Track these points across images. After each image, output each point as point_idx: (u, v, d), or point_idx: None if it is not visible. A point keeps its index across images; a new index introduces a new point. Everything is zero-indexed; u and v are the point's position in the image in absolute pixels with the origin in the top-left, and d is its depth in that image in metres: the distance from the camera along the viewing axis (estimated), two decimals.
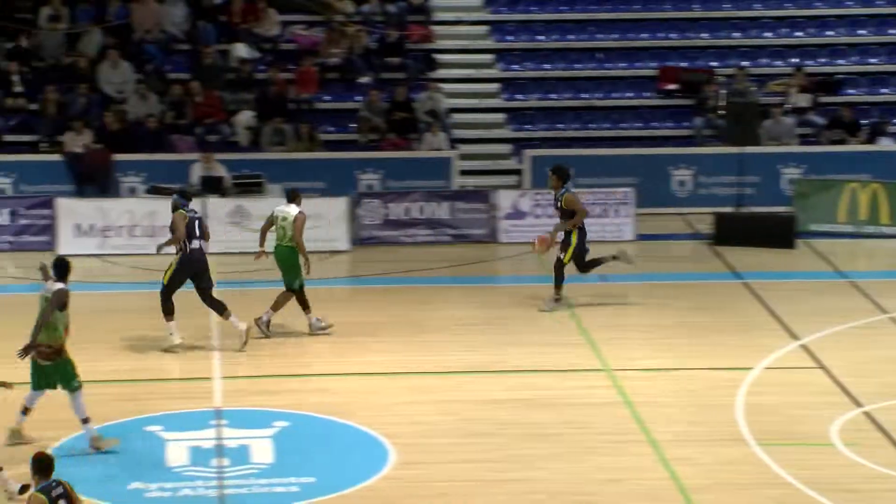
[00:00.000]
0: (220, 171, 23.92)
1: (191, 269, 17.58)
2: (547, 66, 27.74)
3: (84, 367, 16.95)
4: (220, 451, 14.57)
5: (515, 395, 16.26)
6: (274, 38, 27.13)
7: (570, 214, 19.24)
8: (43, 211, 22.94)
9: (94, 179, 24.19)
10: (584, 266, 19.68)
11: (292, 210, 18.21)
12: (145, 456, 14.43)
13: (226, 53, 26.47)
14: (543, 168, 24.86)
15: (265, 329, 18.28)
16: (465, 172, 25.56)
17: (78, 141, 24.27)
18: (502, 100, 27.35)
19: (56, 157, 24.27)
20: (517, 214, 23.92)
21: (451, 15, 28.43)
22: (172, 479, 13.91)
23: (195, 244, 17.59)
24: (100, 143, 24.35)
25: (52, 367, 14.37)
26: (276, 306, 18.34)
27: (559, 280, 19.49)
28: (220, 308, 17.87)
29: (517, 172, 25.73)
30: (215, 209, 23.19)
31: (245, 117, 25.43)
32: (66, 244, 22.51)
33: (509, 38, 28.23)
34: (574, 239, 19.28)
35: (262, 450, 14.63)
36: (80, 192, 23.70)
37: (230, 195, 23.60)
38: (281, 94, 25.71)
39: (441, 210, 23.91)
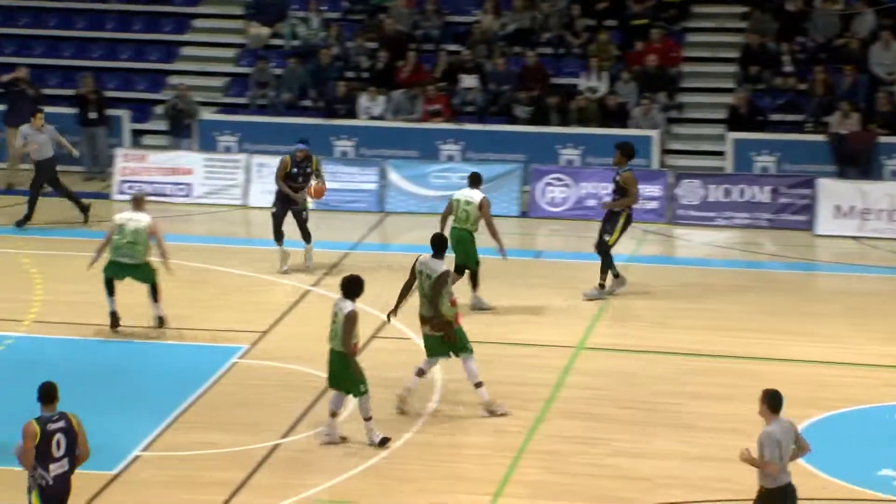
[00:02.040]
0: None
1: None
2: None
3: (854, 350, 16.66)
4: None
5: None
6: None
7: (622, 193, 18.48)
8: (803, 191, 22.97)
9: (856, 161, 23.93)
10: (606, 252, 18.59)
11: (476, 195, 17.92)
12: None
13: None
14: None
15: (484, 305, 18.16)
16: None
17: (844, 123, 24.08)
18: None
19: (819, 138, 24.22)
20: None
21: None
22: None
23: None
24: (866, 124, 24.01)
25: (437, 338, 14.63)
26: (475, 286, 18.14)
27: (608, 264, 18.61)
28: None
29: None
30: None
31: None
32: (825, 225, 22.44)
33: None
34: (622, 221, 18.55)
35: None
36: (842, 174, 23.50)
37: None
38: None
39: None
